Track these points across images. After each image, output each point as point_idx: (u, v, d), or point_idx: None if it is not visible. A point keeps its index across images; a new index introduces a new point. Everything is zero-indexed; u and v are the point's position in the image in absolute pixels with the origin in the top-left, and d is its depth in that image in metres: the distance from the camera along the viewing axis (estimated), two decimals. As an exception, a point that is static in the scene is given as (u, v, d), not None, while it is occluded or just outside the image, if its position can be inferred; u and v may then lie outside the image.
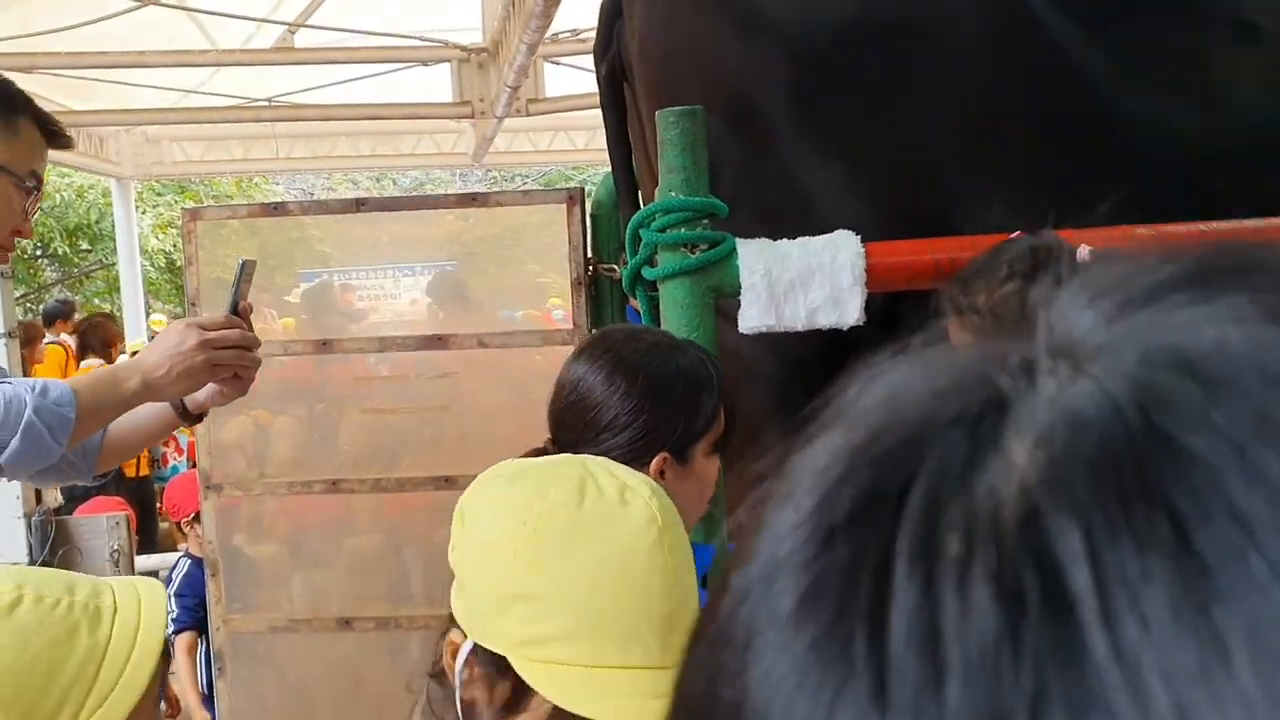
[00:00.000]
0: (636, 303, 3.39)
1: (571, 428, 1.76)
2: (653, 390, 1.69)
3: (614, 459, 1.75)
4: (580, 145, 13.26)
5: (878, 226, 2.13)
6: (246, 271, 1.96)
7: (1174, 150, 2.20)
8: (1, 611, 1.03)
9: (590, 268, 2.95)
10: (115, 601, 1.09)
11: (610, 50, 2.41)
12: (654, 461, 1.68)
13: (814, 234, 2.14)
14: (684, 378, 1.70)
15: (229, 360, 1.84)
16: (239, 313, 1.90)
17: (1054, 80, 2.19)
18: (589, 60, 8.80)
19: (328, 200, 3.34)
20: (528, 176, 24.45)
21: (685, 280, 1.95)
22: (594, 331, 1.84)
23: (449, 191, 25.95)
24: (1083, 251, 1.84)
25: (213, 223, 3.08)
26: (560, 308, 3.63)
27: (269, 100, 7.61)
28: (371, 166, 12.89)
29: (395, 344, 3.07)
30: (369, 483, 3.08)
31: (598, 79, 2.48)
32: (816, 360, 2.18)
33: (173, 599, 4.03)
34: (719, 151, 2.01)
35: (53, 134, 1.83)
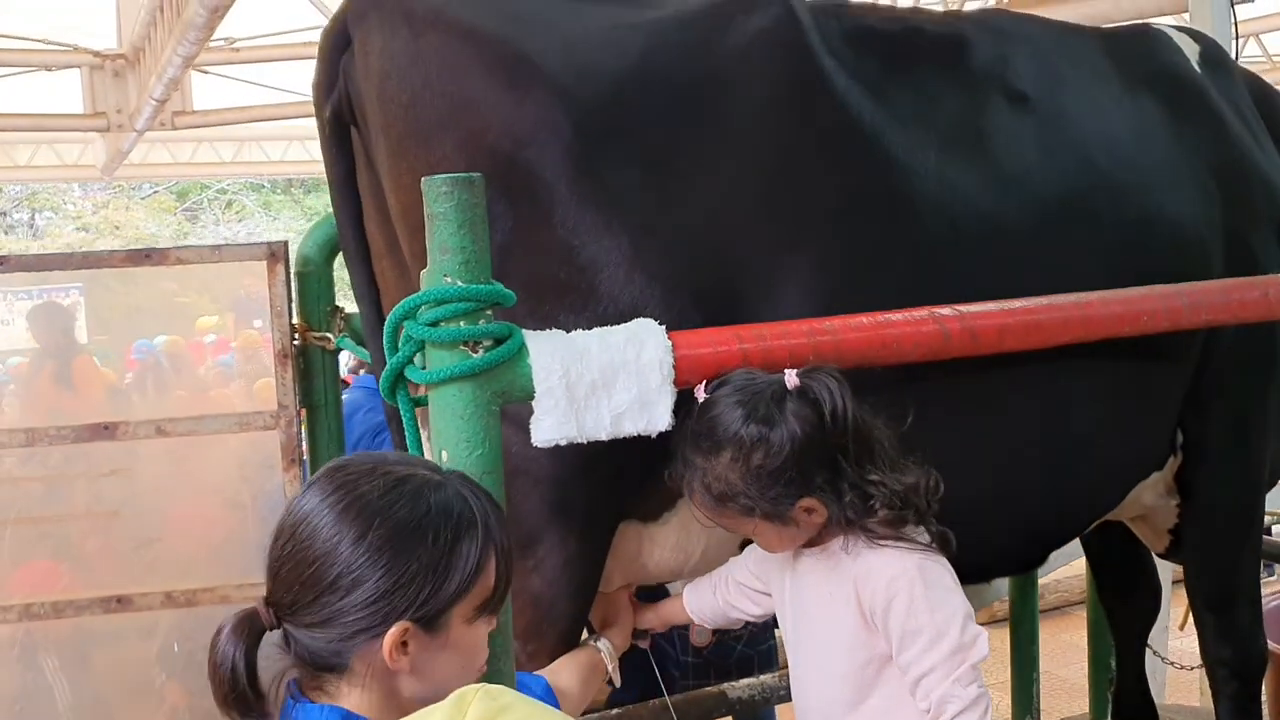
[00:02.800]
0: (352, 374, 2.96)
1: (288, 584, 1.36)
2: (393, 540, 1.33)
3: (342, 628, 1.32)
4: (227, 158, 12.28)
5: (666, 303, 1.85)
6: None
7: (967, 223, 2.07)
8: None
9: (298, 336, 2.49)
10: None
11: (336, 89, 1.98)
12: (391, 632, 1.32)
13: (595, 312, 1.83)
14: (436, 522, 1.35)
15: None
16: None
17: (848, 145, 2.00)
18: (241, 70, 8.05)
19: (-50, 258, 2.68)
20: (158, 187, 22.66)
21: (466, 385, 1.58)
22: (334, 461, 1.46)
23: (68, 202, 23.54)
24: (791, 378, 1.68)
25: None
26: (212, 332, 3.11)
27: None
28: (-24, 180, 11.35)
29: (46, 436, 2.46)
30: (16, 610, 2.45)
31: (319, 121, 2.04)
32: (603, 454, 1.86)
33: None
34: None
35: None
